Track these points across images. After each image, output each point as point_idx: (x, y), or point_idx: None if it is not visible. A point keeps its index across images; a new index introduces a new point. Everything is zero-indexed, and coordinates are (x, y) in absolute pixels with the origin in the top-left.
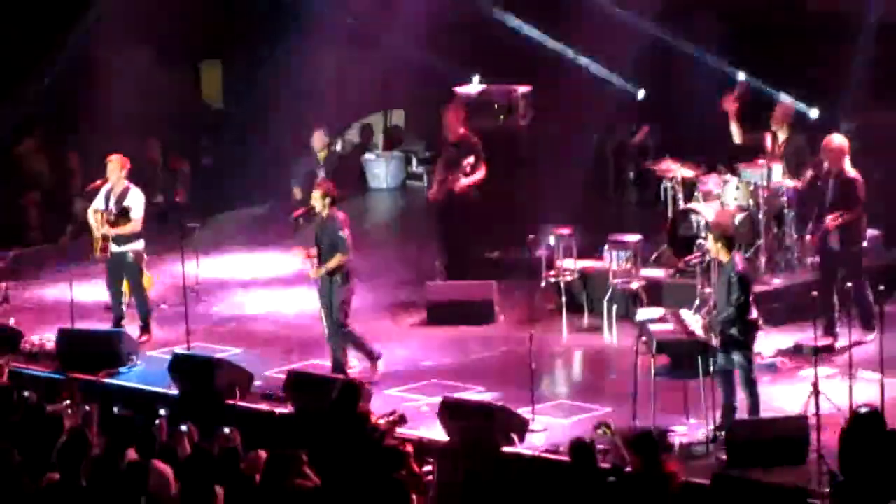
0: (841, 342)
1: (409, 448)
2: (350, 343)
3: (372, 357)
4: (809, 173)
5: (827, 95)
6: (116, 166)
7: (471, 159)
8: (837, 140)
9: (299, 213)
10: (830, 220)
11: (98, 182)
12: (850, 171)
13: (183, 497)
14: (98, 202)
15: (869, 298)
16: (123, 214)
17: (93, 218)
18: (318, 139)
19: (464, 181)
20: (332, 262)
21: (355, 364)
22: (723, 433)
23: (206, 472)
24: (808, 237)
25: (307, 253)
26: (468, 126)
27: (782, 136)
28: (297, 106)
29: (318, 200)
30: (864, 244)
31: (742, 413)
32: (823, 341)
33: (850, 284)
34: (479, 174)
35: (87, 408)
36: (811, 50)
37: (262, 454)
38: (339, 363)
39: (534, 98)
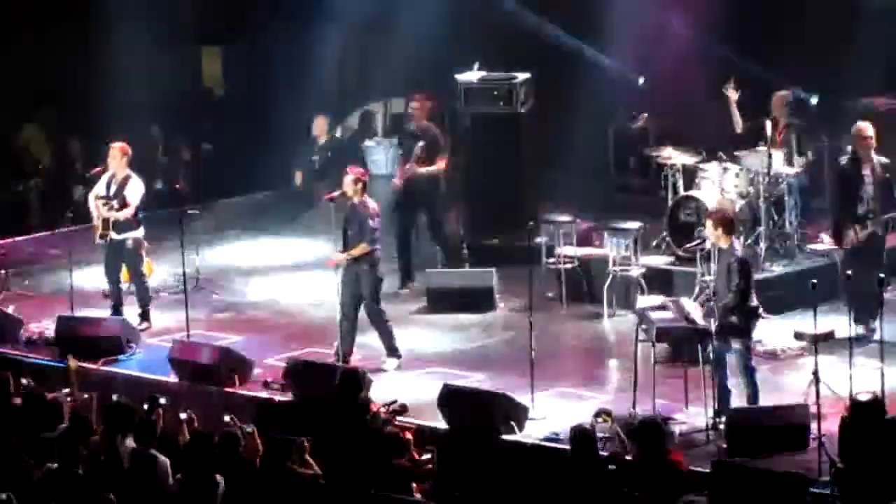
0: (842, 331)
1: (410, 435)
2: (380, 330)
3: (392, 352)
4: (807, 160)
5: (827, 81)
6: (117, 154)
7: (421, 143)
8: (871, 129)
9: (331, 196)
10: None
11: (99, 168)
12: (882, 158)
13: (183, 484)
14: (99, 188)
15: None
16: (123, 204)
17: (93, 203)
18: (319, 125)
19: (419, 170)
20: (357, 250)
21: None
22: (721, 419)
23: (205, 459)
24: (851, 231)
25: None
26: (434, 119)
27: (782, 122)
28: (299, 92)
29: (349, 186)
30: None
31: (741, 401)
32: (823, 329)
33: (849, 272)
34: (438, 165)
35: (86, 395)
36: (812, 34)
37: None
38: (345, 350)
39: (534, 85)
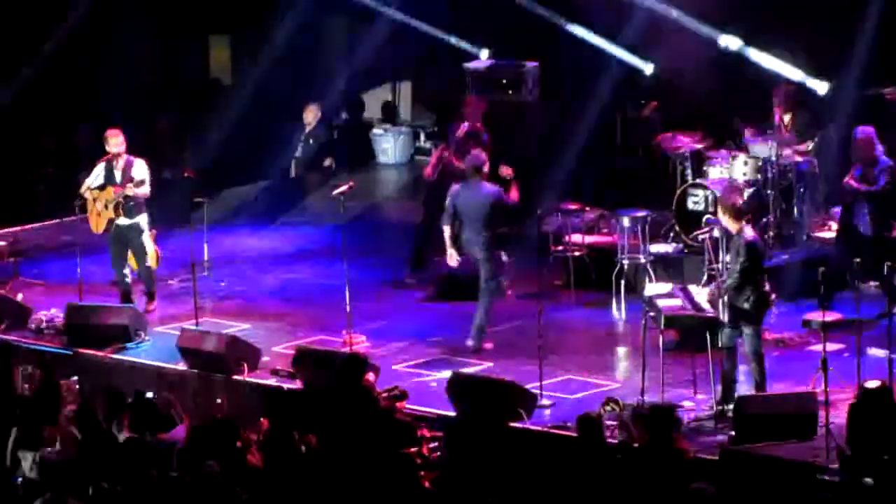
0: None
1: (424, 430)
2: None
3: None
4: (808, 149)
5: (835, 69)
6: (112, 141)
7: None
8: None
9: (341, 190)
10: None
11: (105, 157)
12: None
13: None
14: (94, 179)
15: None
16: (138, 185)
17: (89, 195)
18: (310, 112)
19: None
20: None
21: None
22: (725, 406)
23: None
24: None
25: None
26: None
27: (788, 115)
28: (306, 81)
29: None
30: None
31: (749, 388)
32: (831, 316)
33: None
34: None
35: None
36: (819, 22)
37: None
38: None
39: (541, 73)
